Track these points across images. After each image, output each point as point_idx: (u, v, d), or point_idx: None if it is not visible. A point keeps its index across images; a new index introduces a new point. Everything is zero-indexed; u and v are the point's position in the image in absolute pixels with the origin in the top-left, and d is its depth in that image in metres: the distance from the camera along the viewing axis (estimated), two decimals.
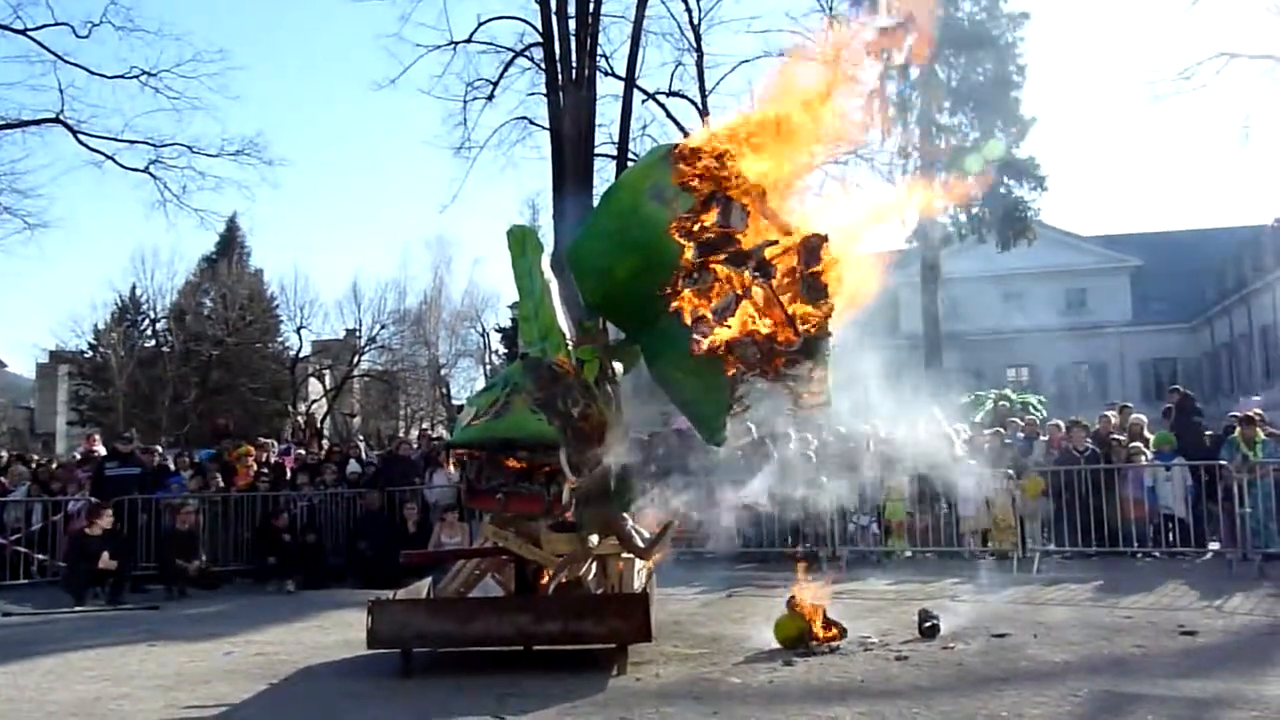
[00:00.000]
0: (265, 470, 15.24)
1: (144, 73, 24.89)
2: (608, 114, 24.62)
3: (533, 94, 24.98)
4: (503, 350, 44.26)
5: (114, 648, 8.98)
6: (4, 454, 17.41)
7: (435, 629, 7.44)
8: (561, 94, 22.73)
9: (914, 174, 26.43)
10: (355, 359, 45.51)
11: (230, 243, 45.27)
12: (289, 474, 15.43)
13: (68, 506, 14.17)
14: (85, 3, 52.61)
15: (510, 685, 6.80)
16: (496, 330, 47.14)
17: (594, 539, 7.92)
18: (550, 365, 7.53)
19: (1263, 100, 51.71)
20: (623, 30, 25.04)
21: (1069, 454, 13.26)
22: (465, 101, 24.91)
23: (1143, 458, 13.08)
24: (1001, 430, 14.51)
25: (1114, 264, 45.00)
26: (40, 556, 13.62)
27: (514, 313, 35.33)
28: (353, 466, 15.53)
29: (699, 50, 26.16)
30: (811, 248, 7.09)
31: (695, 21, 26.06)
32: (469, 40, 24.48)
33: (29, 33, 23.96)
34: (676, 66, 26.32)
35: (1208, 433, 13.89)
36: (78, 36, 24.32)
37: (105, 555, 12.35)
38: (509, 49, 24.67)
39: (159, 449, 17.41)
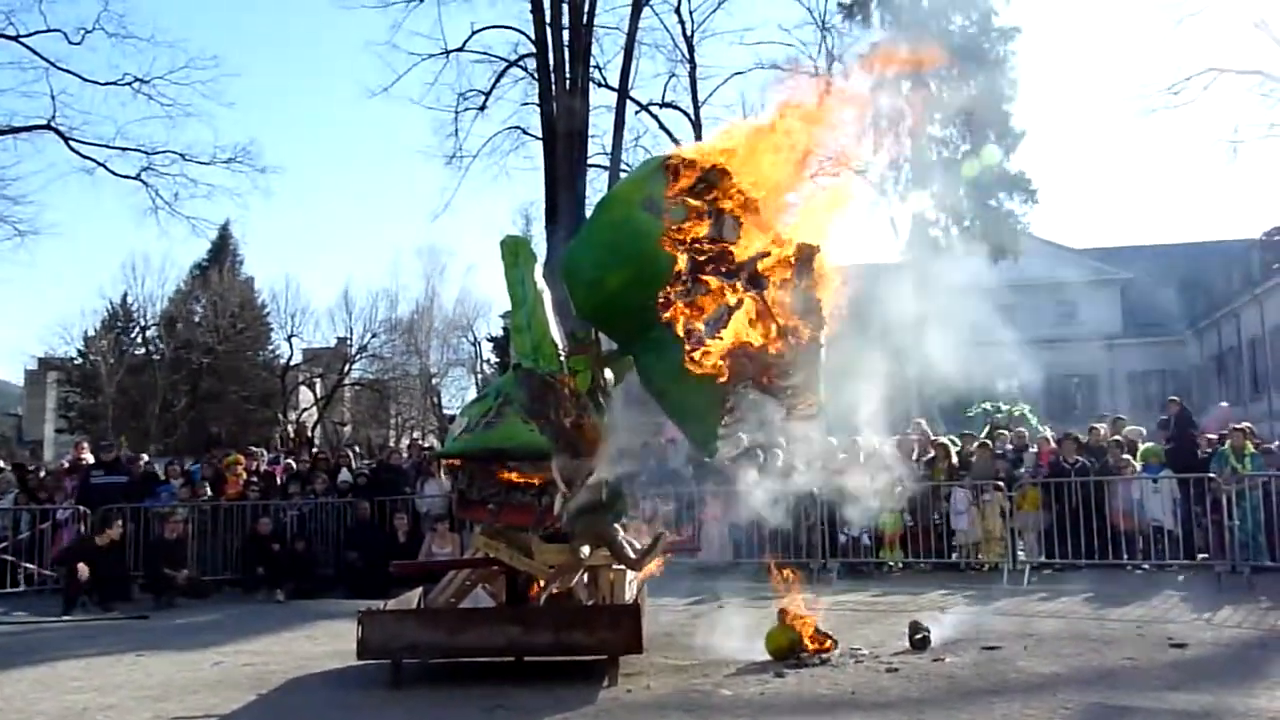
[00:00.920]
0: (255, 479, 15.19)
1: (136, 79, 24.90)
2: (601, 125, 24.70)
3: (526, 104, 25.04)
4: (494, 360, 44.23)
5: (102, 657, 8.94)
6: None
7: (426, 639, 7.42)
8: (555, 104, 22.75)
9: (905, 186, 26.52)
10: (346, 367, 45.41)
11: (222, 250, 45.17)
12: (279, 483, 15.38)
13: (56, 515, 14.10)
14: (78, 9, 52.72)
15: (501, 696, 6.79)
16: (488, 340, 47.13)
17: (585, 550, 7.91)
18: (543, 376, 7.52)
19: (1251, 115, 52.06)
20: (616, 41, 25.15)
21: (1059, 466, 13.28)
22: (458, 111, 24.95)
23: (1130, 470, 13.11)
24: (990, 443, 14.54)
25: (1104, 277, 45.15)
26: (28, 565, 13.54)
27: (506, 322, 35.34)
28: (344, 476, 15.48)
29: (692, 62, 26.29)
30: (804, 259, 7.12)
31: (689, 33, 26.19)
32: (462, 49, 24.52)
33: (21, 39, 23.98)
34: (670, 78, 26.47)
35: (1209, 450, 13.80)
36: (70, 43, 24.39)
37: (83, 566, 12.29)
38: (502, 59, 24.73)
39: (145, 457, 17.35)
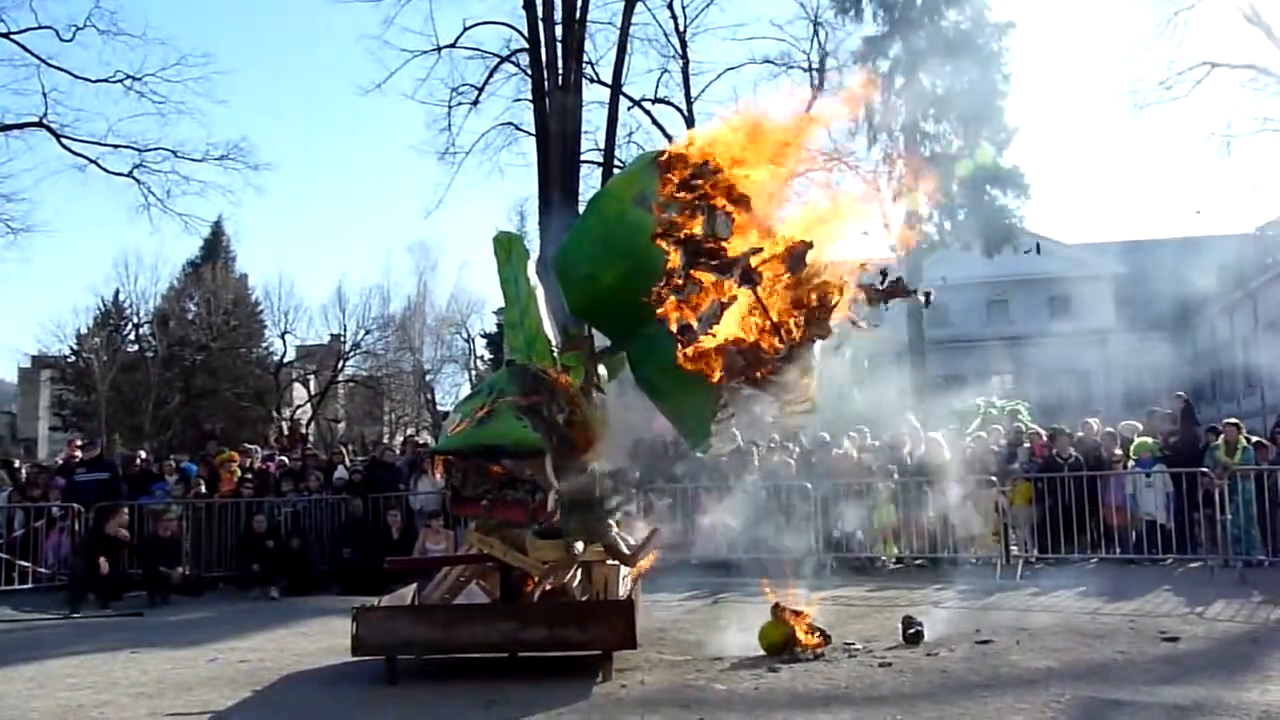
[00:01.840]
0: (249, 476, 15.18)
1: (128, 77, 24.88)
2: (594, 120, 24.72)
3: (519, 100, 25.04)
4: (488, 356, 44.19)
5: (97, 654, 8.93)
6: None
7: (420, 636, 7.43)
8: (547, 100, 22.75)
9: (898, 181, 26.53)
10: (340, 364, 45.32)
11: (215, 247, 45.03)
12: (273, 480, 15.37)
13: (49, 513, 14.09)
14: (69, 6, 52.41)
15: (495, 692, 6.80)
16: (482, 336, 47.06)
17: (579, 546, 7.93)
18: (536, 372, 7.54)
19: (1244, 110, 52.07)
20: (609, 37, 25.15)
21: (1052, 461, 13.32)
22: (450, 107, 24.95)
23: (1122, 465, 13.14)
24: (984, 435, 14.58)
25: (1097, 272, 45.19)
26: (22, 563, 13.53)
27: (500, 319, 35.32)
28: (340, 473, 15.48)
29: (685, 57, 26.31)
30: (797, 255, 7.12)
31: (681, 29, 26.22)
32: (454, 45, 24.51)
33: (12, 36, 23.95)
34: (662, 73, 26.50)
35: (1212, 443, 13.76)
36: (61, 40, 24.32)
37: (103, 560, 12.59)
38: (495, 54, 24.72)
39: (142, 454, 17.35)
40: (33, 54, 24.09)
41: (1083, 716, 5.93)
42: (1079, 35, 73.15)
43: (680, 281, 6.99)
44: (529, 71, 23.58)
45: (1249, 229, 42.36)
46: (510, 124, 25.20)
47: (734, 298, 7.05)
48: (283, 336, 44.75)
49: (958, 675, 7.04)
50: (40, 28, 24.15)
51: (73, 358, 42.78)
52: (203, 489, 14.78)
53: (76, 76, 24.83)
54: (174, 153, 25.26)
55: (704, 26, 30.32)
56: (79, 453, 15.78)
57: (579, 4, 23.23)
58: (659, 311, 7.00)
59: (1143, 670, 7.07)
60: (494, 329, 42.90)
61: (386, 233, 79.91)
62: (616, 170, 22.06)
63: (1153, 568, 12.28)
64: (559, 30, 22.98)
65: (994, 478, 12.99)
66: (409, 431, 40.60)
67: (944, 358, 33.88)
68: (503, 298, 8.27)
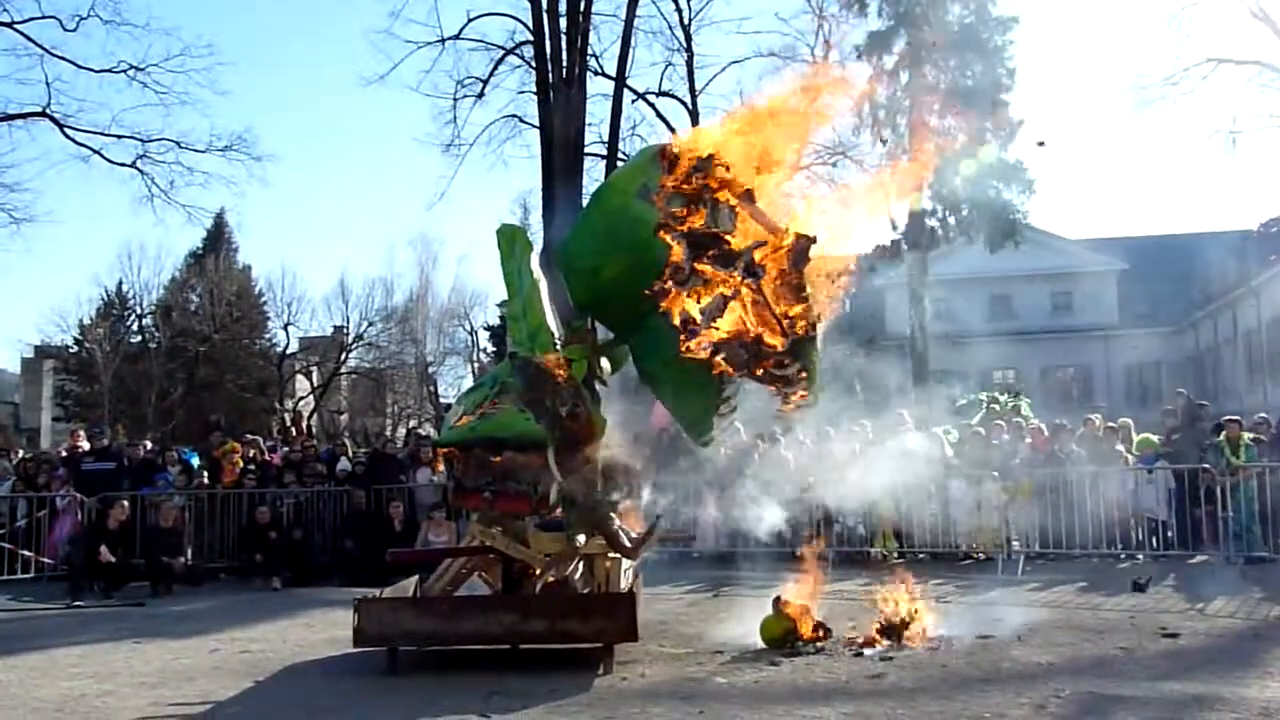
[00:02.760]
0: (252, 467, 15.21)
1: (132, 67, 24.82)
2: (598, 113, 24.63)
3: (523, 92, 24.94)
4: (491, 349, 44.21)
5: (99, 644, 8.96)
6: None
7: (422, 627, 7.45)
8: (551, 92, 22.69)
9: (902, 176, 26.44)
10: (343, 356, 45.36)
11: (218, 238, 45.03)
12: (276, 471, 15.38)
13: (53, 503, 14.11)
14: None
15: (496, 684, 6.81)
16: (485, 329, 47.12)
17: (581, 538, 7.94)
18: (538, 365, 7.54)
19: (1250, 106, 51.96)
20: (613, 29, 25.04)
21: (1054, 456, 13.31)
22: (455, 99, 24.84)
23: (1124, 461, 13.13)
24: (982, 431, 14.57)
25: (1100, 267, 45.13)
26: (25, 553, 13.56)
27: (503, 311, 35.30)
28: (343, 465, 15.51)
29: (689, 50, 26.18)
30: (800, 249, 7.12)
31: (686, 21, 26.07)
32: (458, 37, 24.39)
33: (16, 25, 23.91)
34: (666, 66, 26.34)
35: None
36: (65, 30, 24.26)
37: (105, 549, 12.60)
38: (499, 46, 24.63)
39: (148, 444, 17.39)
40: (36, 43, 24.07)
41: (1083, 711, 5.94)
42: (1084, 30, 73.00)
43: (683, 274, 6.99)
44: (533, 64, 23.51)
45: (1252, 225, 42.22)
46: (514, 116, 25.14)
47: (737, 291, 7.05)
48: (285, 328, 44.92)
49: (958, 670, 7.04)
50: (44, 17, 24.14)
51: (76, 348, 42.87)
52: (205, 480, 14.81)
53: (80, 66, 24.88)
54: (177, 144, 25.25)
55: (708, 20, 30.27)
56: (83, 443, 15.81)
57: None
58: (662, 305, 7.00)
59: (1143, 666, 7.07)
60: (497, 321, 42.93)
61: (389, 225, 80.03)
62: (620, 164, 21.99)
63: (1153, 564, 12.26)
64: (563, 23, 22.91)
65: (996, 473, 12.98)
66: (412, 424, 40.65)
67: (946, 352, 33.80)
68: (506, 290, 8.28)
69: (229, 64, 61.47)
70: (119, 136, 25.05)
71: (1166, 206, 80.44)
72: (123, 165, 25.19)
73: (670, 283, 6.96)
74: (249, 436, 17.35)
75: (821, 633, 7.94)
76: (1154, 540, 12.86)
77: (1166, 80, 25.49)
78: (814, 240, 7.12)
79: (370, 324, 45.59)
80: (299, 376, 46.20)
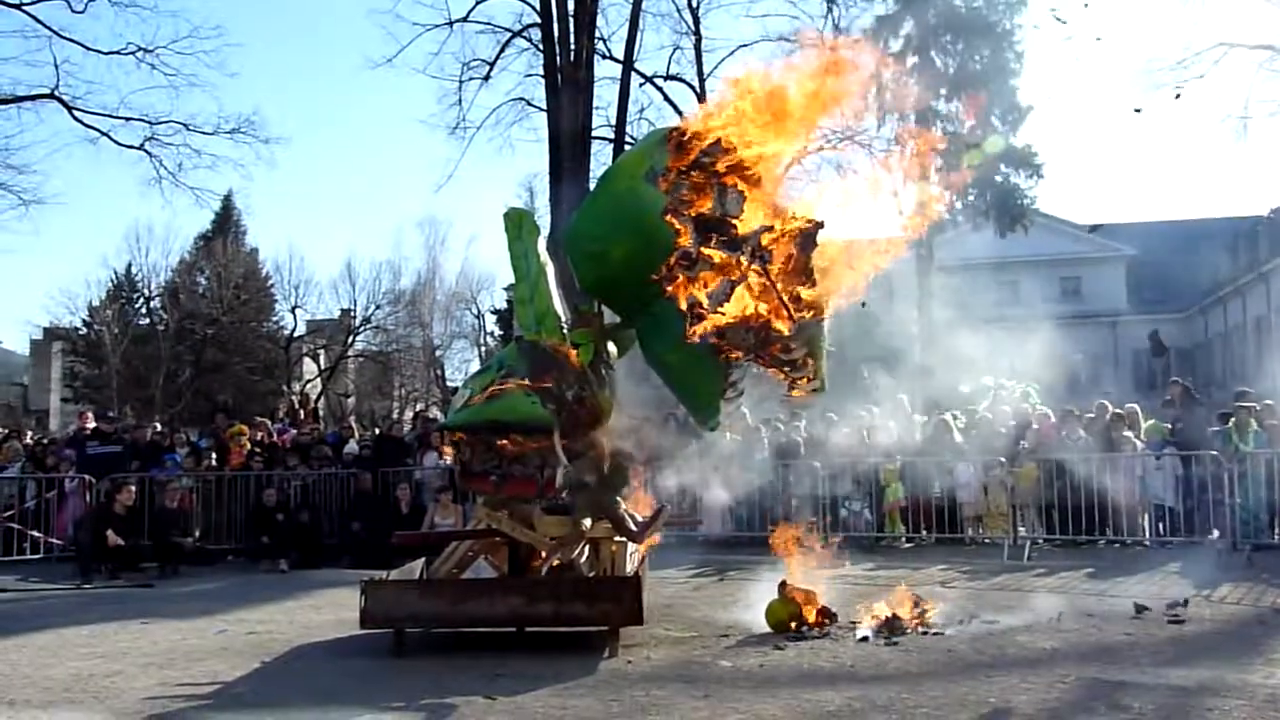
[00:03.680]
0: (259, 449, 15.25)
1: (140, 49, 24.77)
2: (605, 96, 24.55)
3: (530, 75, 24.91)
4: (498, 332, 44.23)
5: (108, 624, 9.00)
6: None
7: (428, 609, 7.48)
8: (559, 75, 22.62)
9: (909, 160, 26.33)
10: (350, 339, 45.43)
11: (226, 221, 45.10)
12: (283, 453, 15.42)
13: (62, 484, 14.18)
14: None
15: (502, 666, 6.84)
16: (492, 312, 47.13)
17: (587, 522, 7.95)
18: (545, 348, 7.54)
19: (1261, 91, 51.51)
20: (621, 12, 24.97)
21: (1061, 442, 13.29)
22: (461, 81, 24.82)
23: (1131, 447, 13.10)
24: (990, 416, 14.54)
25: (1109, 253, 44.95)
26: (34, 533, 13.63)
27: (509, 294, 35.29)
28: (350, 447, 15.55)
29: (697, 34, 26.09)
30: (808, 234, 7.10)
31: (694, 4, 25.98)
32: (466, 19, 24.35)
33: (24, 7, 23.86)
34: (675, 50, 26.24)
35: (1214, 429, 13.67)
36: (74, 11, 24.18)
37: (111, 533, 12.61)
38: (506, 29, 24.59)
39: (157, 425, 17.44)
40: (45, 25, 24.05)
41: (1088, 697, 5.94)
42: (1093, 15, 72.41)
43: (690, 259, 6.97)
44: (541, 47, 23.45)
45: (1263, 210, 41.98)
46: (522, 99, 25.12)
47: (744, 276, 7.03)
48: (293, 311, 44.98)
49: (964, 655, 7.05)
50: None
51: (84, 330, 42.96)
52: (213, 462, 14.86)
53: (88, 48, 24.82)
54: (185, 126, 25.25)
55: (717, 3, 30.16)
56: (90, 424, 15.86)
57: None
58: (669, 289, 6.99)
59: (1148, 652, 7.07)
60: (504, 305, 42.96)
61: (397, 208, 79.99)
62: (628, 147, 21.93)
63: (1160, 550, 12.25)
64: (571, 5, 22.82)
65: (1003, 459, 12.97)
66: (419, 407, 40.70)
67: (954, 338, 33.75)
68: (513, 273, 8.26)
69: (237, 46, 61.59)
70: (127, 119, 25.08)
71: (1177, 192, 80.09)
72: (131, 147, 25.22)
73: (677, 267, 6.95)
74: (257, 419, 17.41)
75: (827, 617, 7.96)
76: (1161, 527, 12.83)
77: (1177, 64, 25.21)
78: (821, 225, 7.10)
79: (377, 307, 45.68)
80: (306, 359, 46.28)
